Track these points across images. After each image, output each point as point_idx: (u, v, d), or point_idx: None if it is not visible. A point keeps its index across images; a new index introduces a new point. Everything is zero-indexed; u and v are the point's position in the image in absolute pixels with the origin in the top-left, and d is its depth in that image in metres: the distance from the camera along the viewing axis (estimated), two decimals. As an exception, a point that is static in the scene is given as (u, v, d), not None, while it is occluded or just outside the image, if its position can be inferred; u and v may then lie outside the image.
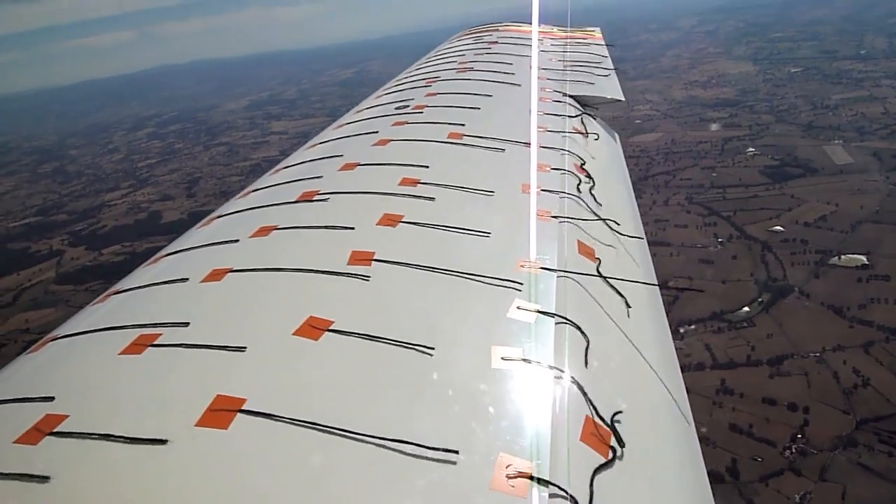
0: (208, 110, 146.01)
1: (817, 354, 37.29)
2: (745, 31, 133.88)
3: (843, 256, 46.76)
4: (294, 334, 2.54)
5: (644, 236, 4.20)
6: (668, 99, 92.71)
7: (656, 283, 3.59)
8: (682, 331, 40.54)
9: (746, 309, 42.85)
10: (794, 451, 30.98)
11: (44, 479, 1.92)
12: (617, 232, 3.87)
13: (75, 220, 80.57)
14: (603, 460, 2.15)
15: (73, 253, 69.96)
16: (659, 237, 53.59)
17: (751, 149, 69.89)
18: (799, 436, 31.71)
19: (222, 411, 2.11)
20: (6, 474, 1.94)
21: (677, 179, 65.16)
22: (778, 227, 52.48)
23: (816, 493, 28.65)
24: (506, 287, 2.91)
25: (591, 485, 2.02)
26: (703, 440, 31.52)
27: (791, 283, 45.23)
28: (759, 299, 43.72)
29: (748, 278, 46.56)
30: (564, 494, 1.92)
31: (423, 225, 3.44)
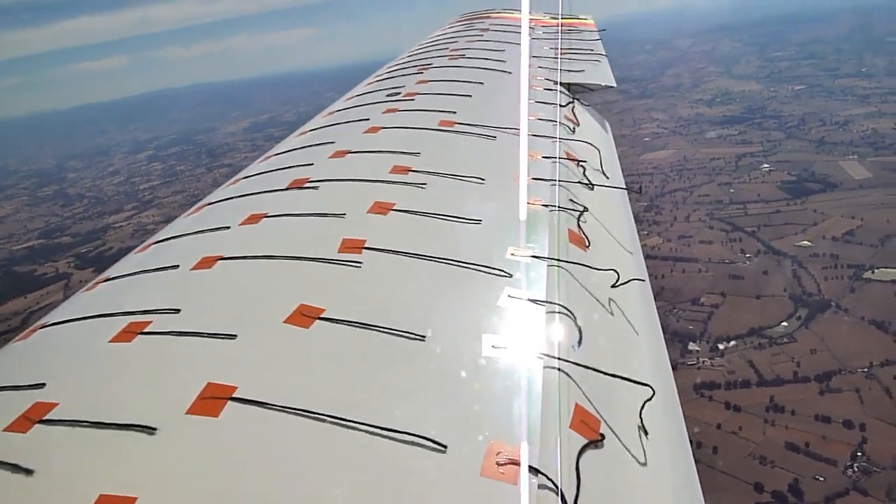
0: (208, 133, 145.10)
1: (865, 370, 36.59)
2: (742, 51, 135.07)
3: (876, 270, 46.28)
4: (285, 322, 2.51)
5: (635, 226, 4.28)
6: (675, 117, 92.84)
7: (645, 272, 3.62)
8: (721, 347, 39.80)
9: (785, 324, 42.19)
10: (856, 469, 30.09)
11: (33, 468, 1.87)
12: (609, 215, 3.92)
13: (80, 243, 79.24)
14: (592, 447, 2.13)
15: (81, 276, 68.31)
16: (685, 253, 53.10)
17: (765, 165, 69.82)
18: (859, 454, 30.84)
19: (213, 399, 2.08)
20: None
21: (695, 196, 64.79)
22: (805, 242, 52.12)
23: (886, 513, 27.66)
24: (497, 275, 2.89)
25: (578, 467, 1.99)
26: (761, 459, 30.54)
27: (827, 298, 44.63)
28: (797, 315, 43.03)
29: (782, 293, 45.95)
30: (553, 486, 1.89)
31: (415, 213, 3.42)
